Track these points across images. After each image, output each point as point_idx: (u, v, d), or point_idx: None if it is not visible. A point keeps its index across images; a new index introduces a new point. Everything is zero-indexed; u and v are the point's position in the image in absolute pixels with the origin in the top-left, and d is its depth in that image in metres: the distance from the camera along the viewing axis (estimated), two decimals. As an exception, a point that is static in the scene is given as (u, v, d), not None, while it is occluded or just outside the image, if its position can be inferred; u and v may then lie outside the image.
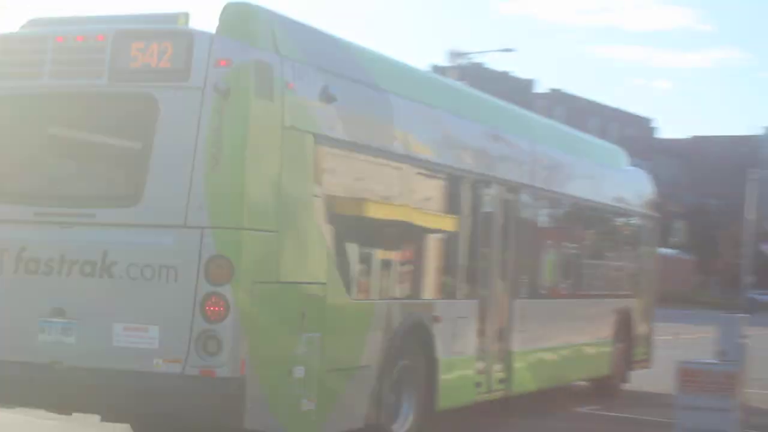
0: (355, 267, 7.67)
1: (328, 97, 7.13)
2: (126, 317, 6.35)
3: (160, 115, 6.38)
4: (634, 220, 14.84)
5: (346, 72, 7.59)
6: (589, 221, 13.20)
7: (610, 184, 13.84)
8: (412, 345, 8.26)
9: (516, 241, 10.49)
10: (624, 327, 13.88)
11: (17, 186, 6.88)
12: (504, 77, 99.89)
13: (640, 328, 14.59)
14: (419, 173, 8.61)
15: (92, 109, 6.80)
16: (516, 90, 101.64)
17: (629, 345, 14.20)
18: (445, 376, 8.74)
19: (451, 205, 9.29)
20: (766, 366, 23.09)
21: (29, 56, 6.82)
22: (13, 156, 6.94)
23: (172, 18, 6.71)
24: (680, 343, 28.87)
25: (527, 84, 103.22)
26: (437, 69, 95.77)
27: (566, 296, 12.20)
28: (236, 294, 6.12)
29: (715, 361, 8.58)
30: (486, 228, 9.90)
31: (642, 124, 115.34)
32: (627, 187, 14.58)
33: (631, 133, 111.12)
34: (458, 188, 9.33)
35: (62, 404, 6.64)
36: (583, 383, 13.98)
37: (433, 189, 8.98)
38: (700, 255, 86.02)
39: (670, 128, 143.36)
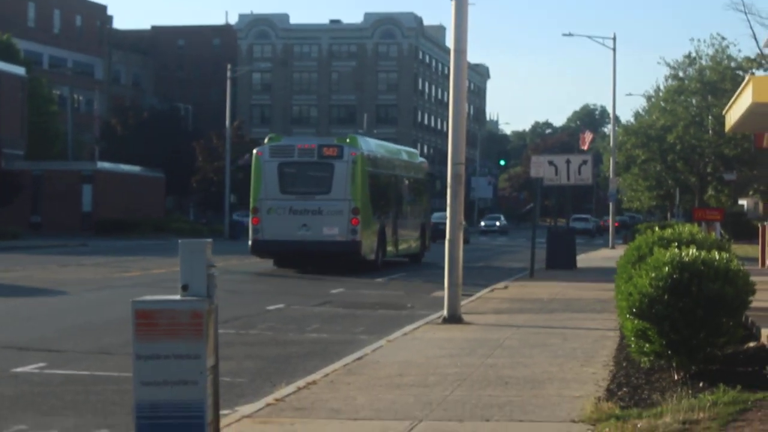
0: (375, 207, 35.92)
1: (370, 159, 35.93)
2: (328, 225, 33.89)
3: (335, 169, 34.13)
4: (423, 183, 43.86)
5: (368, 150, 36.37)
6: (412, 186, 42.21)
7: (416, 169, 43.31)
8: (379, 233, 36.19)
9: (395, 196, 39.39)
10: (422, 232, 42.24)
11: (288, 188, 34.31)
12: None
13: (427, 233, 43.18)
14: (388, 177, 38.71)
15: (311, 167, 34.68)
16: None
17: (423, 240, 42.25)
18: (387, 246, 37.40)
19: (396, 188, 39.86)
20: (246, 301, 24.62)
21: (287, 151, 34.77)
22: (287, 179, 34.55)
23: (332, 140, 37.39)
24: (151, 279, 29.65)
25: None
26: None
27: (408, 217, 40.59)
28: (360, 218, 34.01)
29: (176, 298, 8.69)
30: (390, 191, 38.79)
31: (94, 12, 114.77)
32: (420, 167, 44.07)
33: (81, 22, 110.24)
34: (396, 181, 39.81)
35: (307, 254, 34.79)
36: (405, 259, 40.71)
37: (390, 183, 38.99)
38: (173, 171, 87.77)
39: (127, 17, 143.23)
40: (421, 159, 45.83)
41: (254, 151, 35.47)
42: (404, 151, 44.27)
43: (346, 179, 33.83)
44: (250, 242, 34.61)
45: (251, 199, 34.57)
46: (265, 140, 35.65)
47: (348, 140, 34.81)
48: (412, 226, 40.84)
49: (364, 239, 34.15)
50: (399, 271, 35.69)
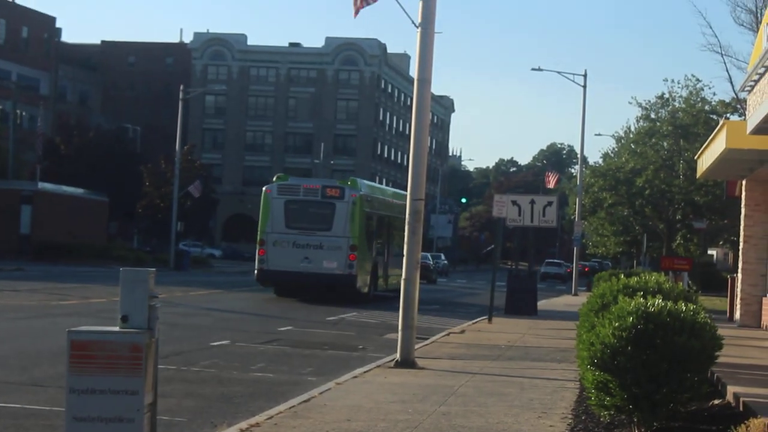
0: (369, 245, 42.58)
1: (367, 200, 42.05)
2: (327, 259, 40.01)
3: (336, 208, 40.38)
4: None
5: (366, 192, 42.68)
6: (402, 226, 34.80)
7: (405, 209, 41.06)
8: (374, 266, 43.09)
9: (386, 235, 45.94)
10: None
11: (293, 223, 40.39)
12: None
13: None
14: (382, 217, 44.90)
15: (315, 205, 40.76)
16: None
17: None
18: (378, 281, 44.19)
19: (389, 227, 46.15)
20: (189, 336, 24.49)
21: (293, 189, 41.27)
22: (292, 215, 40.81)
23: (334, 181, 44.22)
24: (90, 309, 29.41)
25: None
26: None
27: (397, 255, 38.21)
28: (357, 254, 40.14)
29: (115, 329, 8.65)
30: (382, 229, 45.47)
31: (43, 24, 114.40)
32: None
33: (28, 33, 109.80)
34: (389, 221, 45.89)
35: (307, 285, 40.52)
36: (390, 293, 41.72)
37: (383, 222, 45.40)
38: (118, 195, 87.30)
39: (77, 30, 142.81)
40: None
41: (264, 188, 42.04)
42: (396, 193, 51.69)
43: (346, 218, 40.04)
44: (255, 271, 40.72)
45: (259, 232, 40.99)
46: (274, 179, 42.58)
47: (349, 183, 41.68)
48: (400, 264, 44.55)
49: (360, 273, 40.21)
50: (381, 305, 37.54)
